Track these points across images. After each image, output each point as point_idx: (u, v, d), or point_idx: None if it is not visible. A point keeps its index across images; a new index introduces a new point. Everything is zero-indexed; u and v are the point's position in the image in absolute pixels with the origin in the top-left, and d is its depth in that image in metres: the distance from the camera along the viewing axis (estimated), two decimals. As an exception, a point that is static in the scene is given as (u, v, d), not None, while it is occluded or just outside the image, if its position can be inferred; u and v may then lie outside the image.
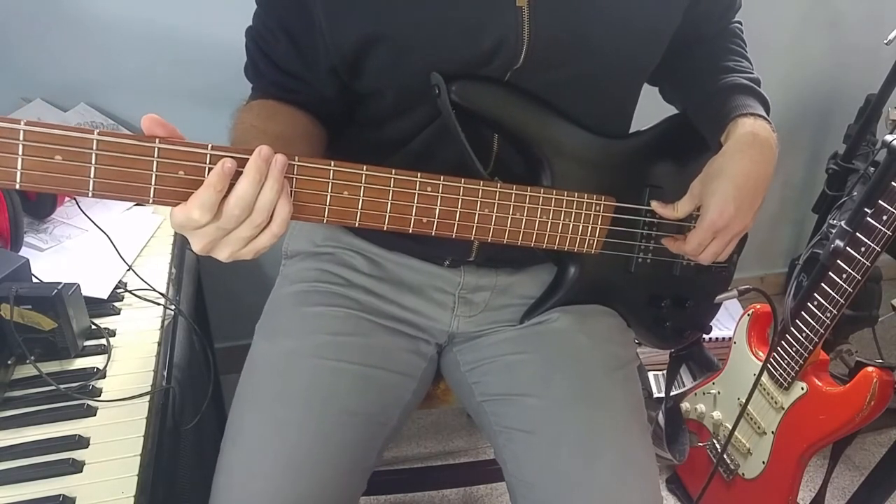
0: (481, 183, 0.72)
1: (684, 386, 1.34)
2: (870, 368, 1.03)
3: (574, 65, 0.76)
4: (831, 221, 1.38)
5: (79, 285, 0.87)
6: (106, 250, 1.03)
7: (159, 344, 0.91)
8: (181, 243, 1.13)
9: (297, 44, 0.76)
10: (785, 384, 1.12)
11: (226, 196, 0.58)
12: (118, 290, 0.99)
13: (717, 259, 0.81)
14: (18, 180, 0.54)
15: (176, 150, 0.58)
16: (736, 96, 0.81)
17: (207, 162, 0.59)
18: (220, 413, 1.30)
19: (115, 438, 0.77)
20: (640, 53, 0.80)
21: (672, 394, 1.21)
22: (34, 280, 0.92)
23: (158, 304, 0.98)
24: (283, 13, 0.76)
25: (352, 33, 0.72)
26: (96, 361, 0.87)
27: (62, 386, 0.81)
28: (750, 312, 1.23)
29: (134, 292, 0.99)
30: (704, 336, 1.03)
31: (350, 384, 0.83)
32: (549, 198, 0.77)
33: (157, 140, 0.57)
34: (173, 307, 0.98)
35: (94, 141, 0.55)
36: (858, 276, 0.98)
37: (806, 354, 1.08)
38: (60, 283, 0.84)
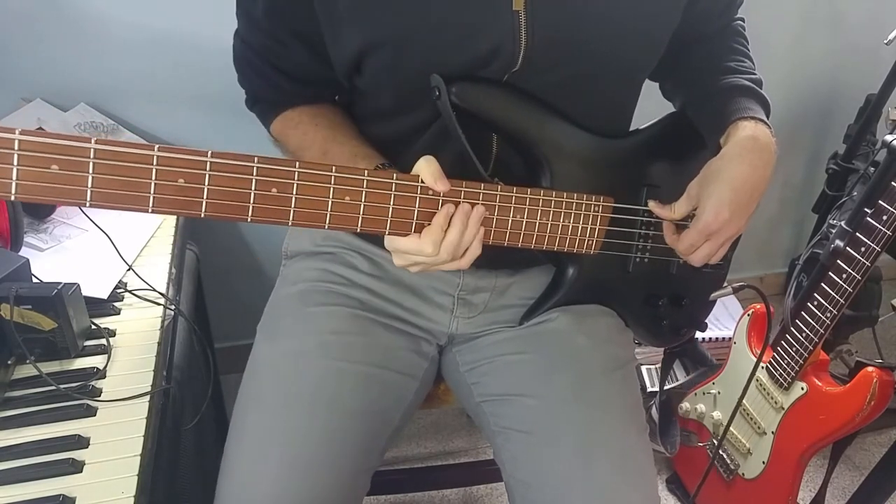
0: (482, 186, 0.72)
1: (677, 380, 1.34)
2: (870, 368, 1.03)
3: (572, 67, 0.76)
4: (831, 221, 1.38)
5: (79, 285, 0.87)
6: (106, 250, 1.03)
7: (159, 344, 0.91)
8: (181, 243, 1.13)
9: (312, 44, 0.77)
10: (785, 384, 1.12)
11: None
12: (118, 290, 0.99)
13: (708, 261, 0.81)
14: (14, 191, 0.53)
15: (175, 158, 0.57)
16: (737, 98, 0.81)
17: (207, 169, 0.58)
18: (219, 413, 1.30)
19: (115, 438, 0.77)
20: (639, 54, 0.79)
21: (665, 388, 1.20)
22: (34, 280, 0.92)
23: (158, 304, 0.98)
24: (292, 18, 0.76)
25: (352, 40, 0.73)
26: (96, 361, 0.87)
27: (62, 386, 0.81)
28: (750, 312, 1.23)
29: (134, 292, 0.99)
30: (704, 335, 1.03)
31: (353, 384, 0.83)
32: (549, 199, 0.77)
33: (155, 147, 0.57)
34: (173, 307, 0.98)
35: (92, 149, 0.54)
36: (858, 276, 0.98)
37: (806, 354, 1.08)
38: (60, 283, 0.84)
